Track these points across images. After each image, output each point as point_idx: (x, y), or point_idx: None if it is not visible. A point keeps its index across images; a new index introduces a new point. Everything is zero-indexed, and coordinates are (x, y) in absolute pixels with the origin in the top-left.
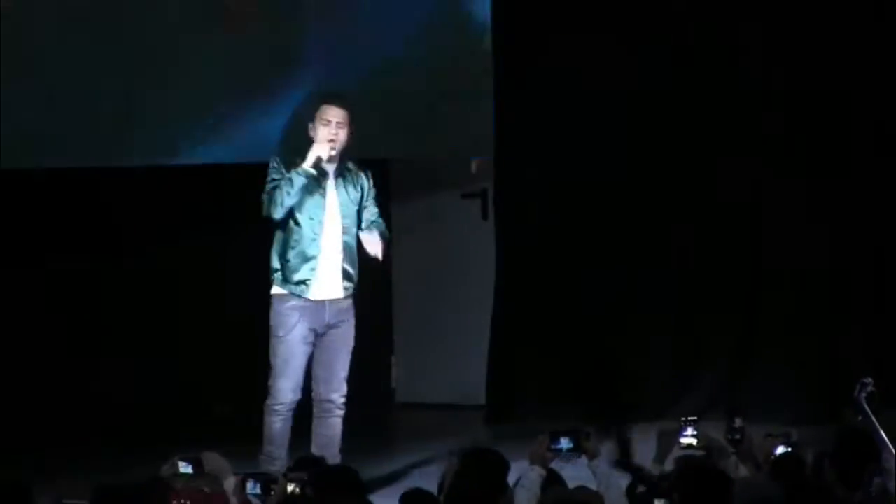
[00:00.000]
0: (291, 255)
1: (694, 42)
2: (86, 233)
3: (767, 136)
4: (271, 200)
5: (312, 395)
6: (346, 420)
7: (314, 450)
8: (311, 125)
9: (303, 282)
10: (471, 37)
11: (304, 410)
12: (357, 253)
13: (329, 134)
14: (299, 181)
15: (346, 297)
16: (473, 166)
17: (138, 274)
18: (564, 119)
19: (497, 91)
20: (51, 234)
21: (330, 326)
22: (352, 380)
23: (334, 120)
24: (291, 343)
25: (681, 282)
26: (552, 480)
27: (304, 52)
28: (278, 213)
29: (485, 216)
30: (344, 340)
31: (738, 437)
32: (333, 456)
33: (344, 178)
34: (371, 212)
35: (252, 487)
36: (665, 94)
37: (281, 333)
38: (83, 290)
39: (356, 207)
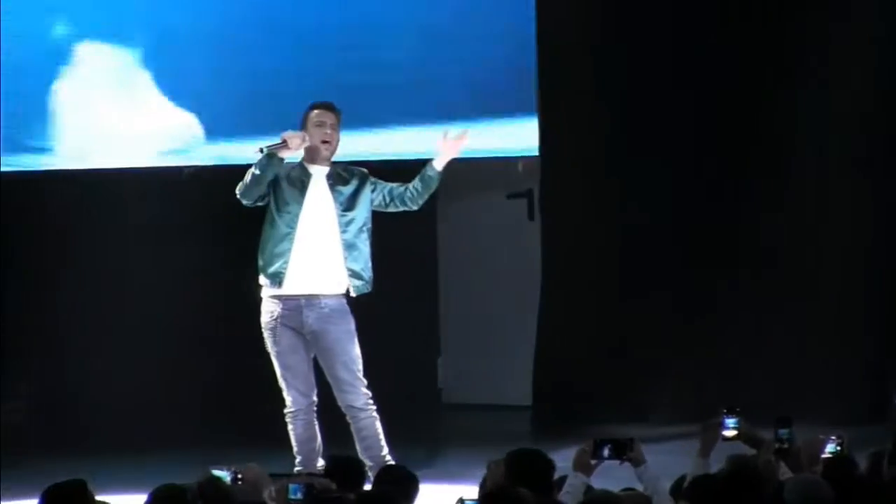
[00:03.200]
0: (268, 248)
1: (739, 45)
2: (95, 231)
3: (800, 142)
4: (242, 183)
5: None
6: (393, 421)
7: (360, 453)
8: (304, 131)
9: (276, 275)
10: (517, 37)
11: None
12: (359, 257)
13: (323, 135)
14: (267, 163)
15: (326, 297)
16: (520, 166)
17: (161, 271)
18: (610, 120)
19: (542, 91)
20: (56, 233)
21: (315, 332)
22: (398, 381)
23: (328, 121)
24: (282, 356)
25: (728, 283)
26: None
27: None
28: (246, 195)
29: (531, 216)
30: (333, 348)
31: (785, 446)
32: (376, 457)
33: (335, 179)
34: (392, 185)
35: (294, 492)
36: (706, 97)
37: (270, 348)
38: (105, 289)
39: (351, 211)
